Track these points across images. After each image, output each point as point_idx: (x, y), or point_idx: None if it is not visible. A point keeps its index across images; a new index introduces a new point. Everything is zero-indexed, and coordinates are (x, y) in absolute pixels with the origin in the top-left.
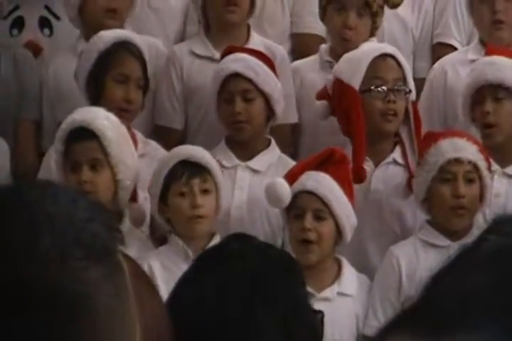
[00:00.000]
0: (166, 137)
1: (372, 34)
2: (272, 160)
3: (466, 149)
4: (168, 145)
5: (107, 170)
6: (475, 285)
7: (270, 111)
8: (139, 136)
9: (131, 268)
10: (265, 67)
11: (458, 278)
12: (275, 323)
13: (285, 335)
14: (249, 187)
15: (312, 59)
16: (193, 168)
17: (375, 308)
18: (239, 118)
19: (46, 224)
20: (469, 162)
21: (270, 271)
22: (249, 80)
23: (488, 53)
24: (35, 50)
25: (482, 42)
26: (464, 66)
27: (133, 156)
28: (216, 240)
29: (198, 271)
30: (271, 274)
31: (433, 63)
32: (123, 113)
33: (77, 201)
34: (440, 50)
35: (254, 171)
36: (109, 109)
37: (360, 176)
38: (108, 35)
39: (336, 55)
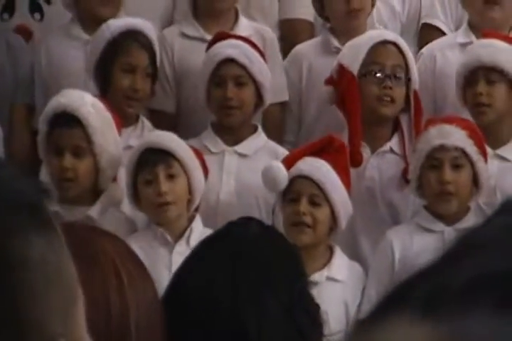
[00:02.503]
0: (159, 120)
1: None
2: (259, 145)
3: (453, 135)
4: (161, 129)
5: (90, 158)
6: (482, 263)
7: (259, 100)
8: (146, 123)
9: (123, 249)
10: (258, 56)
11: (463, 256)
12: (282, 308)
13: (290, 321)
14: (237, 172)
15: (314, 43)
16: (156, 155)
17: (369, 293)
18: (231, 103)
19: None
20: (456, 148)
21: (277, 258)
22: (243, 66)
23: (484, 36)
24: (26, 34)
25: (471, 26)
26: (452, 50)
27: (116, 144)
28: (197, 222)
29: (206, 256)
30: (277, 261)
31: (419, 46)
32: (131, 101)
33: (3, 166)
34: (426, 31)
35: (242, 155)
36: (117, 97)
37: (356, 160)
38: (115, 25)
39: (341, 35)
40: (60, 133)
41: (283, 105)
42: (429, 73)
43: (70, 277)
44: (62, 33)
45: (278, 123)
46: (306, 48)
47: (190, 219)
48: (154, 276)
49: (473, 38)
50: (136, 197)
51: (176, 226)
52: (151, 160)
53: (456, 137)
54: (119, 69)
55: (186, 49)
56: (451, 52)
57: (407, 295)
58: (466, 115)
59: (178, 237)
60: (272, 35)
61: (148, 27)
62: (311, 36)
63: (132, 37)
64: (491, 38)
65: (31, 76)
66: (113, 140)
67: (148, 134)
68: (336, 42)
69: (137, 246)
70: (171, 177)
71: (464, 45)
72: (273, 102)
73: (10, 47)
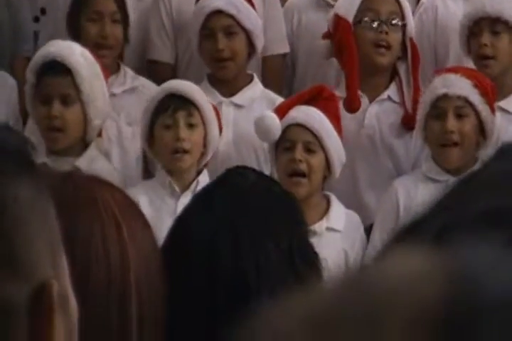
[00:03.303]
0: (157, 71)
1: None
2: (255, 95)
3: (456, 84)
4: (159, 80)
5: (78, 106)
6: (492, 198)
7: (251, 48)
8: (129, 71)
9: (122, 199)
10: (245, 3)
11: (471, 193)
12: (283, 256)
13: (290, 267)
14: (234, 123)
15: None
16: (179, 101)
17: (374, 240)
18: (222, 55)
19: None
20: (459, 97)
21: (276, 205)
22: (231, 16)
23: None
24: None
25: None
26: (454, 1)
27: (104, 97)
28: (204, 176)
29: (206, 204)
30: (277, 208)
31: None
32: (102, 49)
33: None
34: None
35: (238, 106)
36: (88, 48)
37: (354, 105)
38: None
39: None
40: (48, 82)
41: (283, 56)
42: (431, 24)
43: (55, 226)
44: None
45: (278, 75)
46: (297, 1)
47: (198, 173)
48: (158, 224)
49: None
50: (151, 141)
51: (185, 177)
52: (173, 106)
53: (460, 86)
54: (86, 19)
55: (184, 1)
56: (454, 3)
57: (418, 231)
58: (470, 66)
59: (185, 188)
60: None
61: None
62: None
63: None
64: None
65: (32, 30)
66: (101, 90)
67: (170, 82)
68: None
69: (144, 193)
70: (190, 126)
71: None
72: (273, 54)
73: (9, 2)
